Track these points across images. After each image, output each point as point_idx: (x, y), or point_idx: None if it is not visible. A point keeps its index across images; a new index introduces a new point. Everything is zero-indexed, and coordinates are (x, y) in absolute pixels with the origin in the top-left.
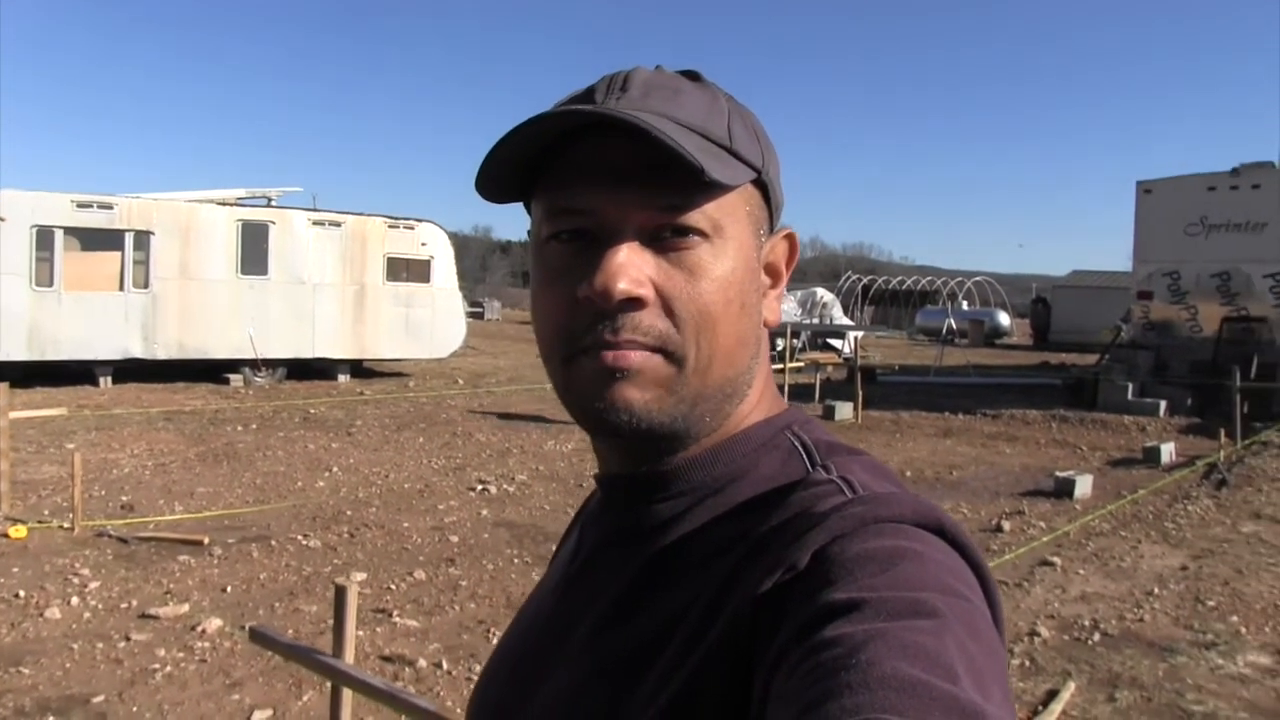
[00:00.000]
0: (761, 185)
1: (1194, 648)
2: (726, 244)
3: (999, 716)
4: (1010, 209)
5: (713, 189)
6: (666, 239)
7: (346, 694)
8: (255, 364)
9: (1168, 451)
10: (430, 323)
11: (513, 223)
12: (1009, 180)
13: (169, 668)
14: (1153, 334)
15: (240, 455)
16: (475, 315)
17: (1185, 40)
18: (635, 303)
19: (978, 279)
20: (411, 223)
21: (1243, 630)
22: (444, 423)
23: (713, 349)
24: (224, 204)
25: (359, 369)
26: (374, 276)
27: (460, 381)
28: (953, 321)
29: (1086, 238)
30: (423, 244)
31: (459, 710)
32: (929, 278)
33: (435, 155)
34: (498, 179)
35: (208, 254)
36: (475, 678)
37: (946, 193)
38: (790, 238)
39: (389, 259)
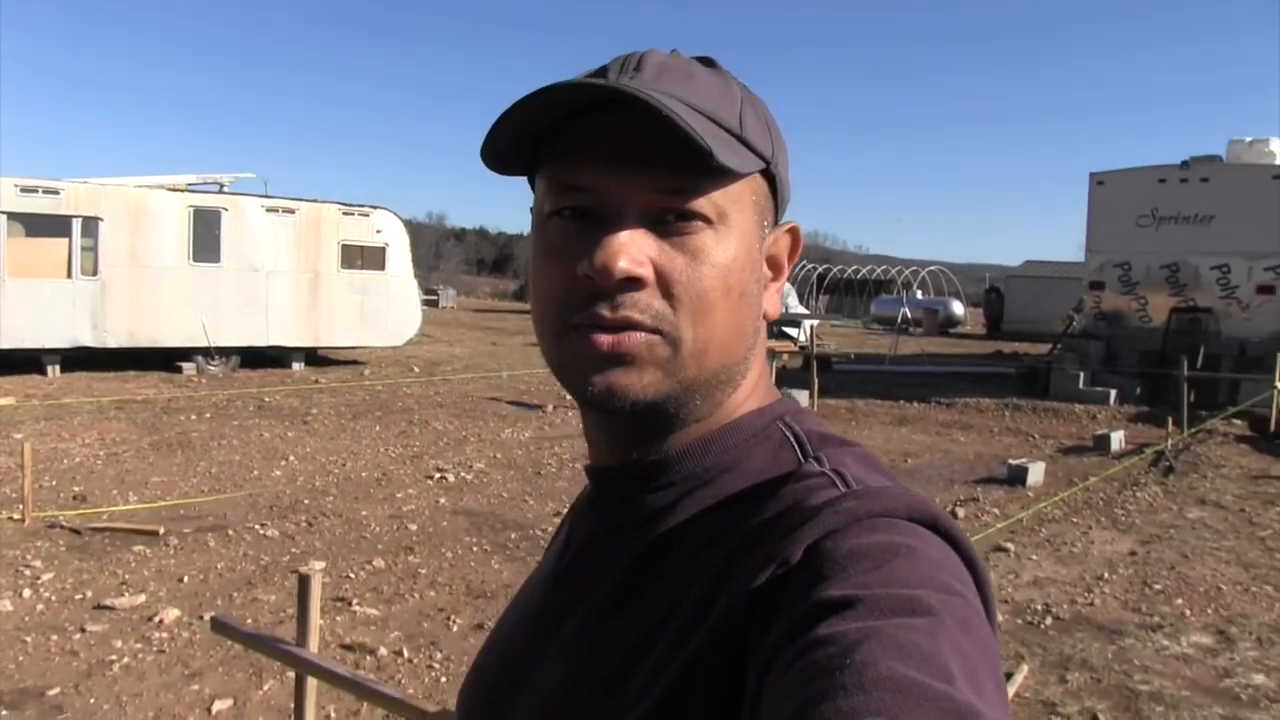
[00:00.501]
0: (770, 176)
1: (1141, 630)
2: (730, 231)
3: (993, 715)
4: (965, 199)
5: (720, 175)
6: (670, 223)
7: (311, 683)
8: (208, 352)
9: (1117, 439)
10: (385, 310)
11: (468, 210)
12: (964, 171)
13: (126, 659)
14: (1104, 324)
15: (195, 444)
16: (430, 303)
17: (1139, 35)
18: (634, 282)
19: (932, 268)
20: (366, 210)
21: (1187, 612)
22: (400, 411)
23: (710, 334)
24: (175, 190)
25: (314, 357)
26: (328, 264)
27: (416, 369)
28: (907, 310)
29: (1040, 228)
30: (377, 231)
31: (422, 698)
32: (884, 267)
33: (389, 142)
34: (503, 150)
35: (158, 241)
36: (437, 666)
37: (901, 183)
38: (794, 231)
39: (343, 246)
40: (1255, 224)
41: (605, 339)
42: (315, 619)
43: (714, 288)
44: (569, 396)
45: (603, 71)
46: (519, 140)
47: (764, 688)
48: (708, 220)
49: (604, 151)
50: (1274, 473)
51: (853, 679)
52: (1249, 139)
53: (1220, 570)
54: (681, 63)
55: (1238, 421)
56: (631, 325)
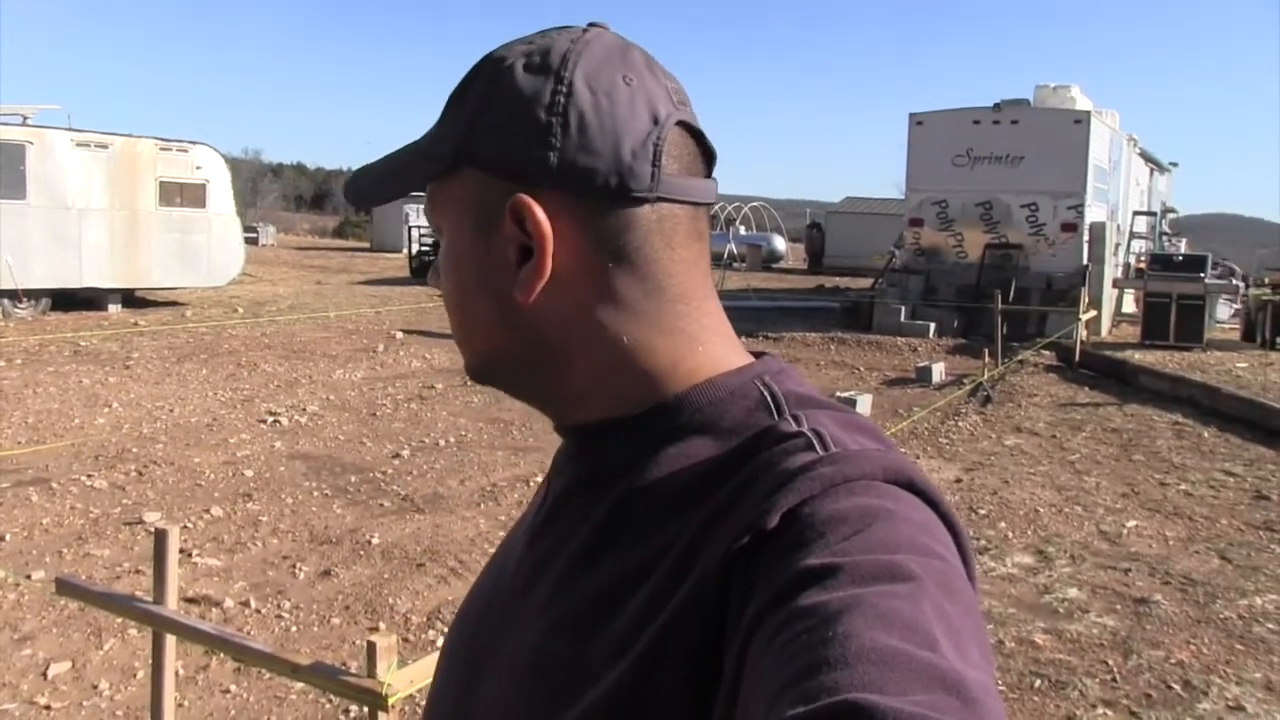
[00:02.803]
0: (476, 161)
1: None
2: (447, 241)
3: (979, 680)
4: (786, 136)
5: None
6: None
7: (170, 641)
8: (15, 295)
9: (938, 371)
10: (207, 249)
11: (285, 145)
12: (786, 108)
13: None
14: (922, 259)
15: (6, 393)
16: (250, 241)
17: None
18: None
19: (754, 204)
20: (185, 145)
21: (1009, 535)
22: (227, 353)
23: (457, 331)
24: None
25: (131, 299)
26: (145, 201)
27: (240, 310)
28: (732, 246)
29: (859, 166)
30: (197, 167)
31: (284, 649)
32: None
33: (200, 74)
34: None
35: None
36: (285, 615)
37: (723, 118)
38: (515, 208)
39: (162, 183)
40: (1059, 165)
41: None
42: (174, 575)
43: (449, 292)
44: (398, 336)
45: None
46: None
47: (745, 661)
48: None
49: None
50: (1079, 400)
51: (836, 652)
52: (1053, 85)
53: (1037, 494)
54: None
55: (1046, 352)
56: None
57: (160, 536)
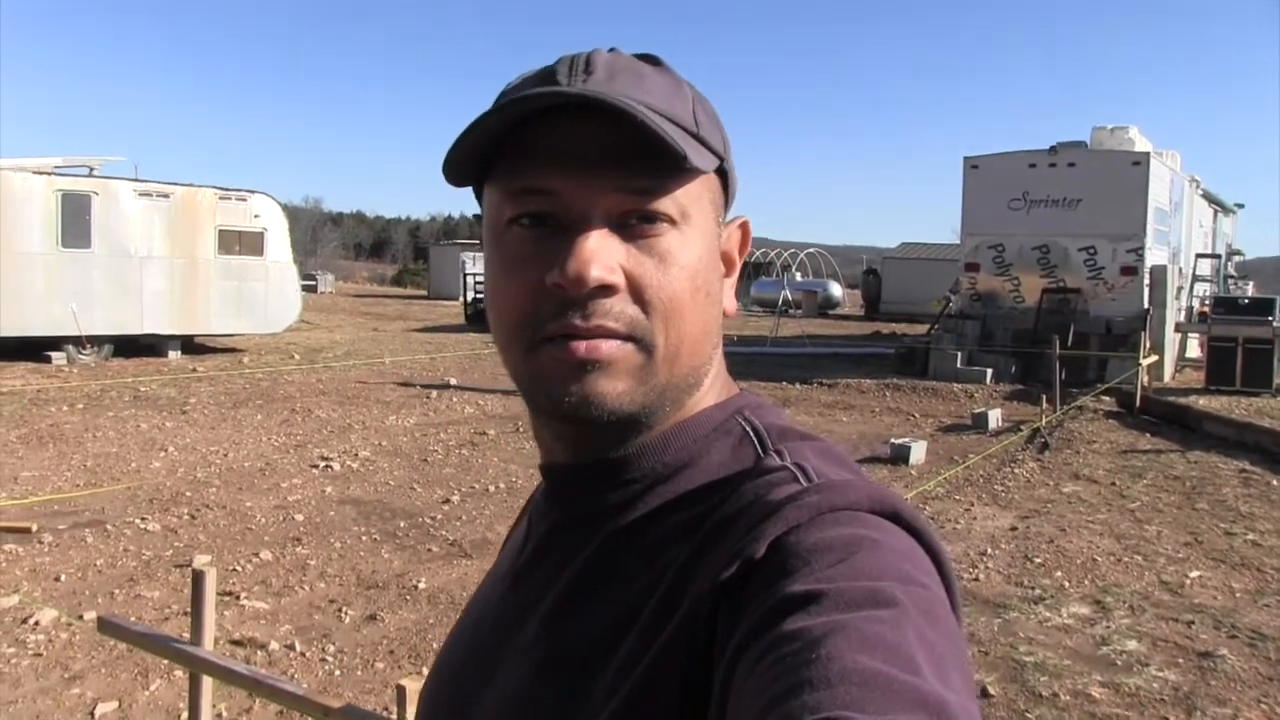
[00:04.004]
0: (721, 174)
1: (1024, 603)
2: (693, 231)
3: (960, 704)
4: (842, 183)
5: (685, 175)
6: (633, 225)
7: (207, 683)
8: (79, 341)
9: (995, 417)
10: (264, 296)
11: (345, 194)
12: (842, 155)
13: None
14: (979, 304)
15: (67, 437)
16: (308, 288)
17: (1010, 23)
18: (607, 289)
19: (810, 250)
20: (244, 194)
21: (1066, 584)
22: (282, 399)
23: (680, 337)
24: (40, 173)
25: (190, 345)
26: (205, 249)
27: (296, 356)
28: (787, 293)
29: (915, 211)
30: (255, 216)
31: (318, 693)
32: (762, 250)
33: (264, 125)
34: (459, 163)
35: (24, 225)
36: (330, 659)
37: (779, 166)
38: (744, 226)
39: (221, 231)
40: (1118, 208)
41: (580, 346)
42: (210, 616)
43: (683, 290)
44: (452, 382)
45: (550, 74)
46: (472, 151)
47: (730, 685)
48: (672, 221)
49: (563, 156)
50: (1140, 447)
51: (819, 673)
52: (1110, 126)
53: (1095, 542)
54: (630, 62)
55: (1106, 398)
56: (606, 334)
57: (198, 578)
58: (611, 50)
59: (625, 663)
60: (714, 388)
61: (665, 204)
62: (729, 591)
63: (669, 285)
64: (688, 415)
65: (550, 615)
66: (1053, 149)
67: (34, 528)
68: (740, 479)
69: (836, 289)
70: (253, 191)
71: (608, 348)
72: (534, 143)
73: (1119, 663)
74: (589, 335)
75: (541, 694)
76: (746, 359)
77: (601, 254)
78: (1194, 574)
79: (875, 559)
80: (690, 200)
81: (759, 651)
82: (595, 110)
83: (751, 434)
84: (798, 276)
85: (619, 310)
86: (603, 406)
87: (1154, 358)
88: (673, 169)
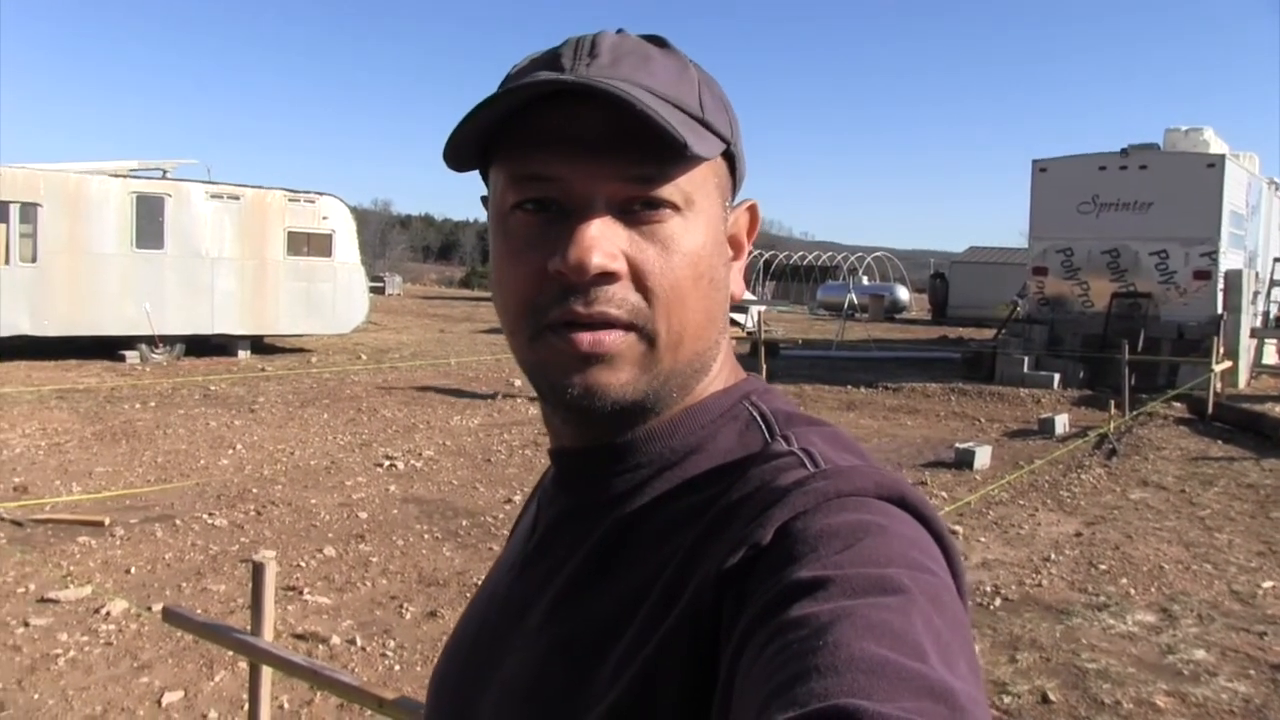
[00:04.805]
0: (729, 156)
1: (1088, 609)
2: (697, 217)
3: (966, 691)
4: (909, 186)
5: (688, 161)
6: (637, 211)
7: (266, 672)
8: (152, 340)
9: (1062, 423)
10: (332, 297)
11: (414, 197)
12: (909, 159)
13: (72, 653)
14: (1047, 309)
15: (140, 434)
16: (376, 290)
17: (1081, 24)
18: (608, 276)
19: (877, 254)
20: (312, 196)
21: (1131, 591)
22: (349, 399)
23: (683, 324)
24: (116, 176)
25: (259, 345)
26: (274, 251)
27: (363, 357)
28: (853, 296)
29: (983, 214)
30: (324, 218)
31: (379, 685)
32: (829, 253)
33: (334, 128)
34: (460, 147)
35: (100, 227)
36: (390, 654)
37: (847, 170)
38: (753, 209)
39: (289, 233)
40: (1191, 211)
41: (585, 337)
42: (270, 608)
43: (686, 276)
44: (516, 383)
45: (555, 57)
46: (475, 135)
47: (737, 672)
48: (675, 207)
49: (567, 141)
50: (1212, 454)
51: (826, 660)
52: (1185, 128)
53: (1162, 549)
54: (636, 45)
55: (1177, 404)
56: (608, 322)
57: (258, 570)
58: (619, 32)
59: (630, 647)
60: (722, 373)
61: (668, 190)
62: (735, 577)
63: (671, 272)
64: (696, 400)
65: (557, 600)
66: (1124, 151)
67: (106, 521)
68: (747, 464)
69: (903, 293)
70: (321, 193)
71: (611, 340)
72: (537, 128)
73: (1185, 672)
74: (590, 322)
75: (548, 678)
76: (811, 362)
77: (603, 241)
78: (1267, 584)
79: (882, 545)
80: (694, 186)
81: (765, 637)
82: (602, 97)
83: (759, 419)
84: (864, 280)
85: (621, 297)
86: (605, 397)
87: (1228, 363)
88: (675, 156)
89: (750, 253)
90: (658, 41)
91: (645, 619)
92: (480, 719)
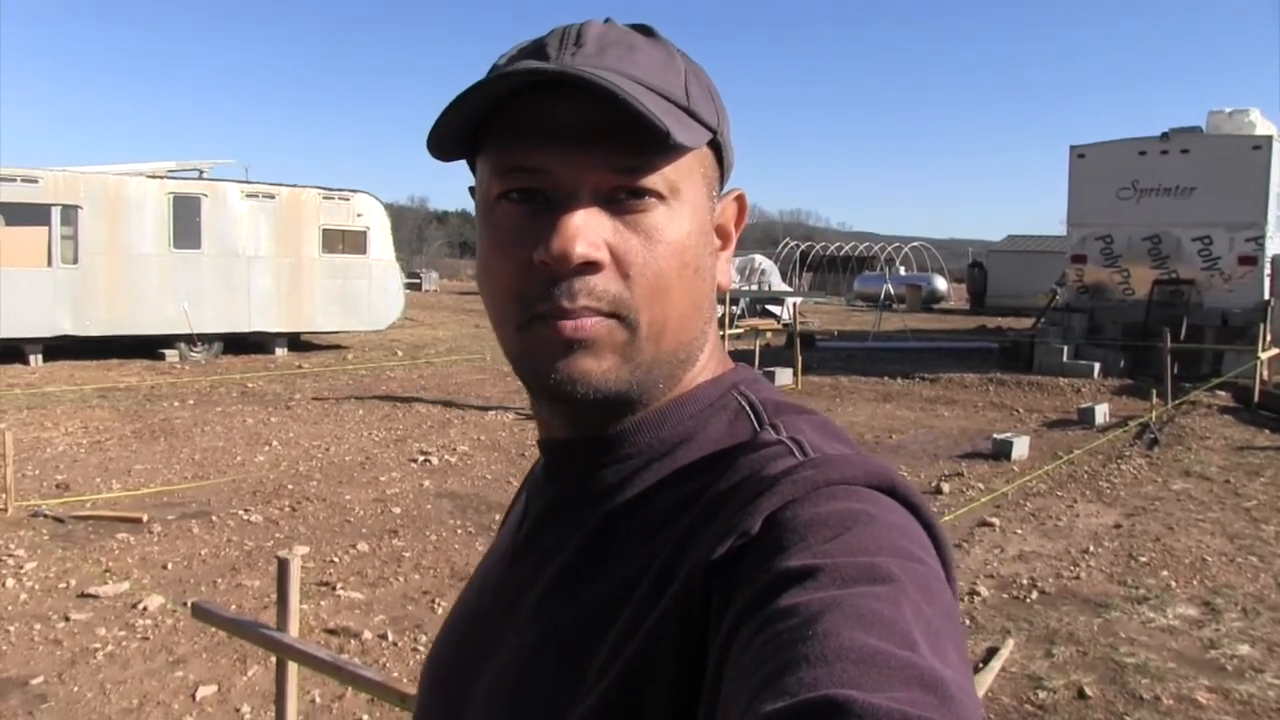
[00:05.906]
0: (715, 146)
1: (1127, 603)
2: (683, 206)
3: (956, 680)
4: (946, 175)
5: (672, 151)
6: (622, 200)
7: (292, 667)
8: (190, 339)
9: (1102, 412)
10: (367, 294)
11: (450, 193)
12: (945, 147)
13: (110, 647)
14: (1086, 297)
15: (178, 431)
16: (413, 286)
17: (1117, 7)
18: (591, 266)
19: (914, 244)
20: (346, 194)
21: (1172, 584)
22: (383, 394)
23: (666, 314)
24: (154, 177)
25: (296, 342)
26: (309, 248)
27: (399, 353)
28: (890, 287)
29: (1021, 202)
30: (358, 215)
31: (405, 681)
32: (866, 244)
33: (370, 126)
34: (444, 138)
35: (138, 228)
36: (421, 649)
37: (883, 159)
38: (740, 199)
39: (324, 231)
40: (1236, 195)
41: (567, 325)
42: (295, 603)
43: (670, 266)
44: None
45: (541, 46)
46: (462, 126)
47: (726, 661)
48: (660, 196)
49: (551, 131)
50: (1258, 443)
51: (815, 650)
52: (1229, 110)
53: (1205, 542)
54: (622, 34)
55: (1221, 393)
56: (591, 313)
57: (283, 565)
58: (606, 21)
59: (620, 637)
60: (710, 363)
61: (653, 180)
62: (724, 567)
63: (655, 262)
64: (684, 391)
65: (547, 591)
66: (1165, 135)
67: (144, 518)
68: (736, 453)
69: (941, 283)
70: (355, 191)
71: (592, 325)
72: (522, 117)
73: (1229, 668)
74: (575, 316)
75: (538, 668)
76: (848, 354)
77: (586, 231)
78: None
79: (872, 534)
80: (680, 175)
81: (755, 627)
82: (587, 87)
83: (748, 408)
84: (901, 270)
85: (603, 288)
86: (587, 384)
87: (1275, 350)
88: (659, 145)
89: (786, 244)
90: (644, 30)
91: (635, 609)
92: (472, 708)
